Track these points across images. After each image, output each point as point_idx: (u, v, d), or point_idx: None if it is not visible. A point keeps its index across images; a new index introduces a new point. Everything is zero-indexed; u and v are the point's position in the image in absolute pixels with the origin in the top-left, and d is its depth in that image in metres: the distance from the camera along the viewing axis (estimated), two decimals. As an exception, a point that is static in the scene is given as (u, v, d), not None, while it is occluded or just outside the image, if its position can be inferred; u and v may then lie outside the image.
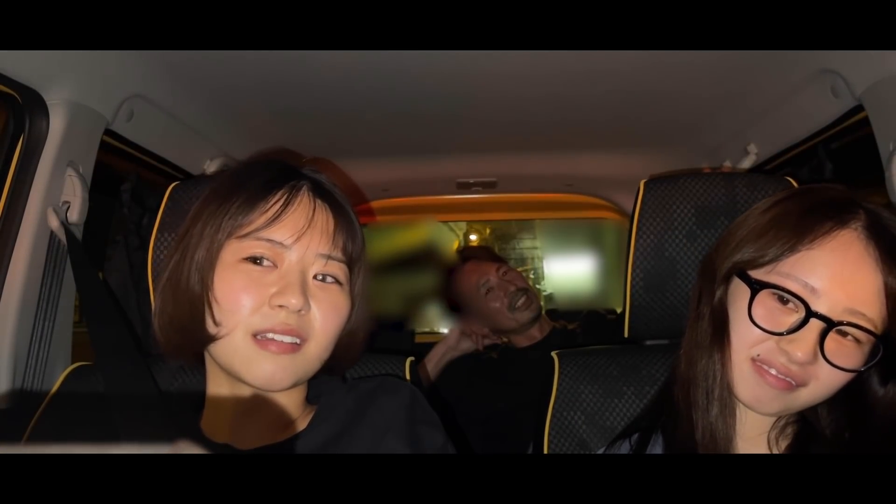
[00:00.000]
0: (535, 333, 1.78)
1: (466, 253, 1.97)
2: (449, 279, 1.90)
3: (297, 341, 0.67)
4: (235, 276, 0.67)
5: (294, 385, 0.70)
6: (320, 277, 0.70)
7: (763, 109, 1.44)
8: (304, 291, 0.67)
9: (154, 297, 0.74)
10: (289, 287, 0.66)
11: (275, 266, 0.68)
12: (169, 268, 0.71)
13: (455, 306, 1.88)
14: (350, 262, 0.73)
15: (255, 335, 0.66)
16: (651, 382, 0.94)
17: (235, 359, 0.67)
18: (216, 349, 0.68)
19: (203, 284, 0.67)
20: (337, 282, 0.71)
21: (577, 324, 1.91)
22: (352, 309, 0.73)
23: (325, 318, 0.69)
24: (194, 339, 0.69)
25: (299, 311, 0.66)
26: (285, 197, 0.70)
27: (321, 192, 0.73)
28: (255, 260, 0.68)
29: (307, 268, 0.69)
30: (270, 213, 0.68)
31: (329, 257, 0.70)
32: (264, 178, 0.71)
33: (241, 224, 0.68)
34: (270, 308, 0.66)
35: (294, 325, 0.67)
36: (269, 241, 0.68)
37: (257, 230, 0.68)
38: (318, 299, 0.69)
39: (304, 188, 0.72)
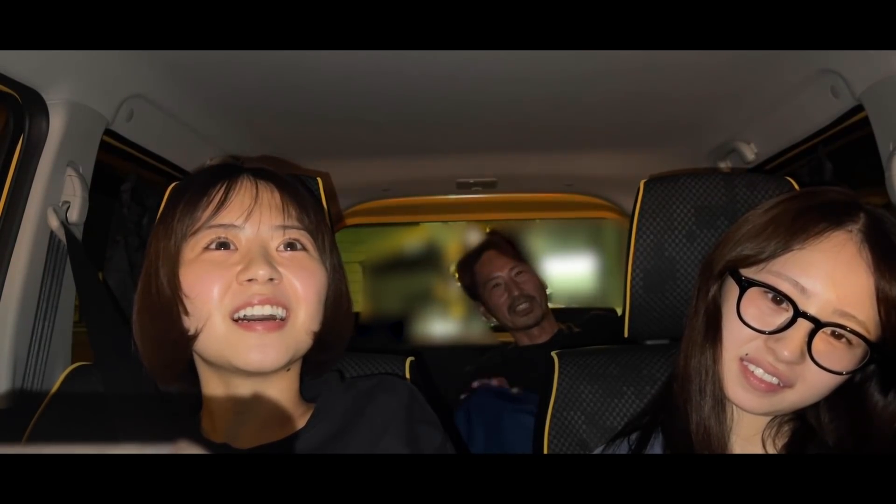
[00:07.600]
0: (537, 333, 1.78)
1: (493, 239, 1.93)
2: (468, 257, 1.91)
3: (282, 313, 0.67)
4: (199, 266, 0.67)
5: (288, 363, 0.69)
6: (284, 247, 0.70)
7: (763, 109, 1.43)
8: (270, 262, 0.67)
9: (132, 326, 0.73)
10: (253, 261, 0.66)
11: (236, 249, 0.69)
12: (138, 292, 0.71)
13: (468, 284, 1.90)
14: (310, 231, 0.72)
15: (234, 318, 0.66)
16: (651, 382, 0.94)
17: (224, 347, 0.66)
18: (202, 346, 0.68)
19: (172, 287, 0.67)
20: (303, 248, 0.71)
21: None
22: (327, 277, 0.73)
23: (303, 282, 0.69)
24: (175, 343, 0.68)
25: (271, 280, 0.66)
26: (225, 185, 0.70)
27: (262, 175, 0.73)
28: (214, 247, 0.68)
29: (267, 242, 0.69)
30: (215, 202, 0.69)
31: (285, 227, 0.70)
32: (203, 178, 0.72)
33: (190, 222, 0.69)
34: (239, 285, 0.66)
35: (270, 295, 0.66)
36: (220, 226, 0.68)
37: (207, 220, 0.68)
38: (288, 267, 0.69)
39: (244, 175, 0.72)
